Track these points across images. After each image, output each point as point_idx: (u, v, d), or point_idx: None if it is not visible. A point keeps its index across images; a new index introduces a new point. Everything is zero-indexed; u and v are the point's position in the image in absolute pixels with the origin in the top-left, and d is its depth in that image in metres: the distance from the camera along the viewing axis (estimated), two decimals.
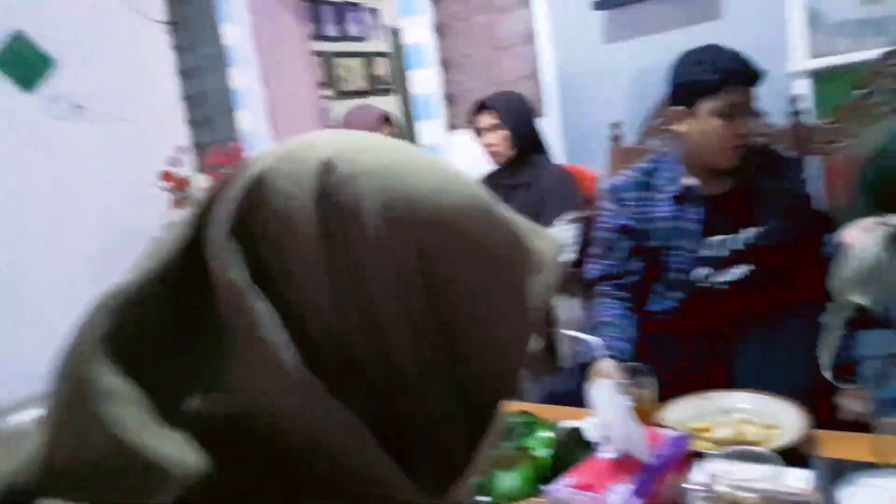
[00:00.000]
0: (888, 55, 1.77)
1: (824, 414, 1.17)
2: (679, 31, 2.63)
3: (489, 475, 1.05)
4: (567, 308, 2.14)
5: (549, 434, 1.12)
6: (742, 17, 2.58)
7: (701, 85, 1.45)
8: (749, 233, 1.52)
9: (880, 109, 1.76)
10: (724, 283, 1.54)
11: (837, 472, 0.88)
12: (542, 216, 2.19)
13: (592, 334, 1.57)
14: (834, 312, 1.19)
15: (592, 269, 1.70)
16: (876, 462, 0.93)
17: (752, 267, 1.53)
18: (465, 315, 0.40)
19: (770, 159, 1.58)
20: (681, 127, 1.52)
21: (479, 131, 2.29)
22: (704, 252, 1.54)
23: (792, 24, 2.59)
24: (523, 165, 2.26)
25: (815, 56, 2.59)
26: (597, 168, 2.32)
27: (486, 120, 2.26)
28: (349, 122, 2.65)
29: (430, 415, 0.40)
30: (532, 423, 1.18)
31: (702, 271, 1.55)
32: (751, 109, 1.50)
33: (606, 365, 1.42)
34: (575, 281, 2.19)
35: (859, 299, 1.20)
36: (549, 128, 2.77)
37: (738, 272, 1.54)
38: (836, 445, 1.07)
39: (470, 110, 2.32)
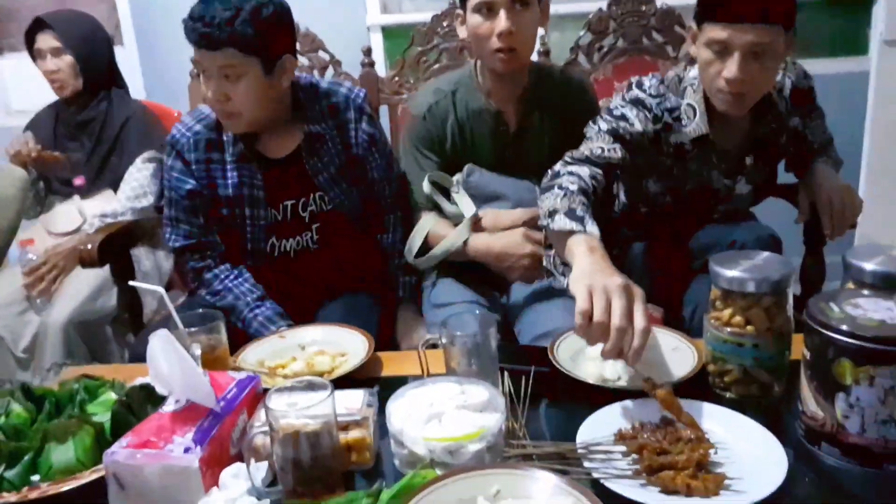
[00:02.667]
0: (439, 16, 1.99)
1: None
2: None
3: (42, 451, 0.93)
4: (151, 259, 1.99)
5: (114, 395, 1.03)
6: None
7: None
8: (314, 198, 1.53)
9: (432, 66, 1.98)
10: (292, 250, 1.55)
11: (390, 387, 0.98)
12: (117, 156, 1.98)
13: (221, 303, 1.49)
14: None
15: (172, 237, 1.54)
16: (421, 374, 1.07)
17: (316, 235, 1.54)
18: None
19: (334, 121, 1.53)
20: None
21: (37, 54, 1.96)
22: (273, 219, 1.51)
23: None
24: (95, 99, 2.00)
25: (385, 12, 2.81)
26: (178, 106, 2.17)
27: (46, 41, 1.94)
28: None
29: None
30: (96, 387, 1.07)
31: (273, 239, 1.53)
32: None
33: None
34: (158, 228, 2.05)
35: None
36: (126, 59, 2.49)
37: (304, 239, 1.55)
38: (395, 364, 1.21)
39: (27, 29, 1.96)
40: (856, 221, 1.38)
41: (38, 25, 1.95)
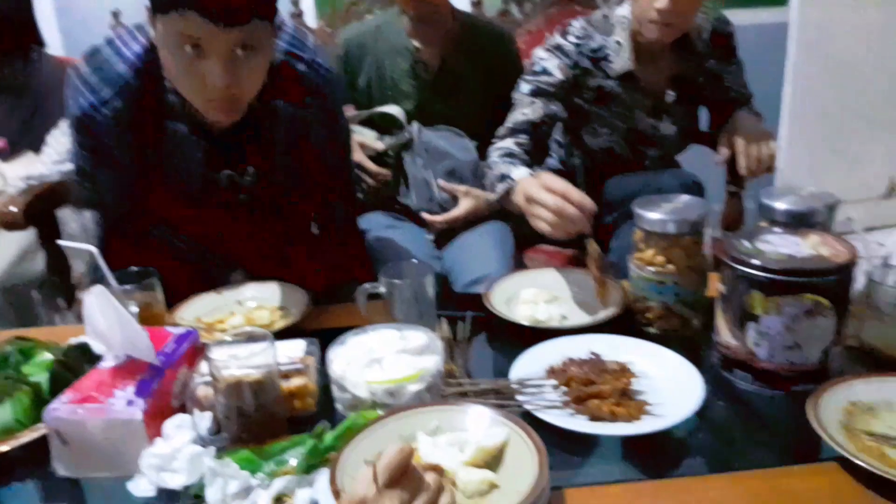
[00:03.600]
0: None
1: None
2: None
3: None
4: (78, 221, 1.94)
5: (51, 356, 1.02)
6: None
7: None
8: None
9: (363, 17, 1.96)
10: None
11: (332, 338, 1.00)
12: (39, 118, 1.90)
13: None
14: None
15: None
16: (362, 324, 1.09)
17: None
18: None
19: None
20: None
21: None
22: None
23: None
24: (9, 58, 1.90)
25: None
26: None
27: None
28: None
29: None
30: (30, 348, 1.06)
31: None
32: None
33: None
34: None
35: None
36: (42, 15, 2.37)
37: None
38: (335, 316, 1.23)
39: None
40: (772, 165, 1.46)
41: None
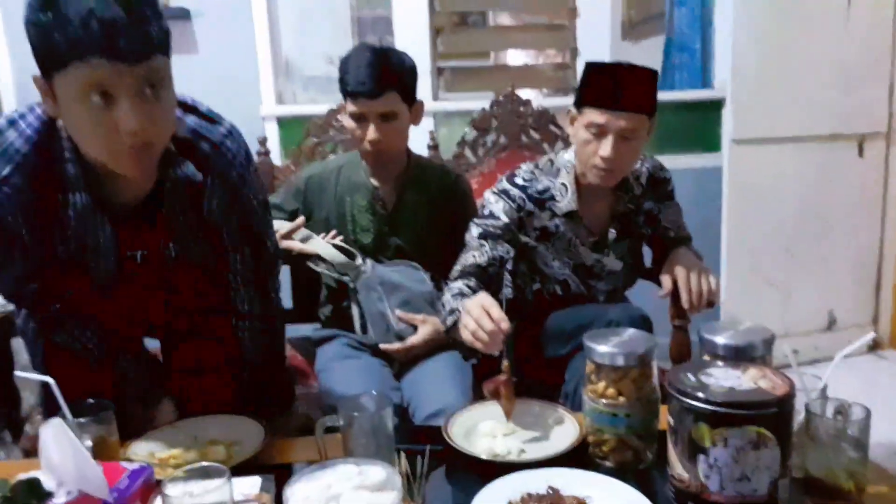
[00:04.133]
0: (334, 111, 2.09)
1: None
2: None
3: None
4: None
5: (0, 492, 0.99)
6: (217, 57, 2.71)
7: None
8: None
9: (328, 156, 2.07)
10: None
11: (289, 473, 0.99)
12: None
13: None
14: None
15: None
16: (319, 459, 1.08)
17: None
18: None
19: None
20: None
21: None
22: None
23: (264, 74, 2.85)
24: None
25: (280, 103, 2.91)
26: None
27: None
28: None
29: None
30: None
31: None
32: None
33: None
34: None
35: None
36: None
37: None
38: (291, 450, 1.22)
39: None
40: (714, 299, 1.54)
41: None
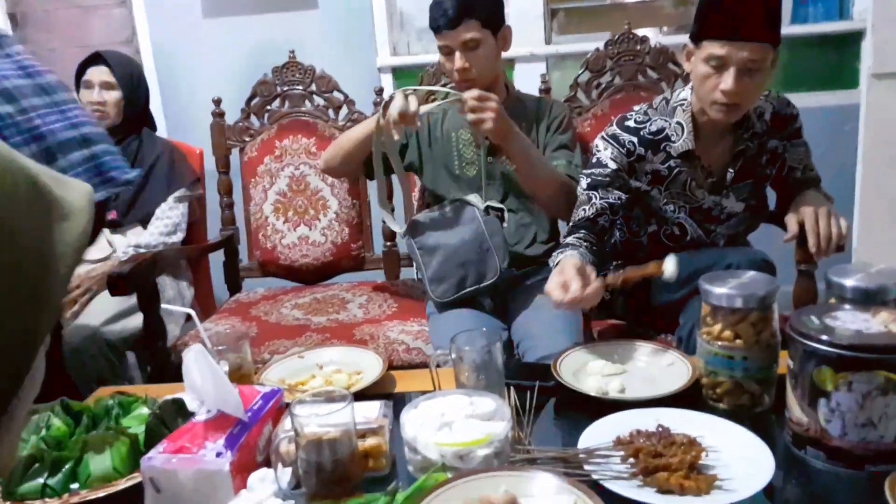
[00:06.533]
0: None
1: None
2: (276, 14, 2.73)
3: (81, 461, 1.00)
4: (175, 288, 2.09)
5: (147, 410, 1.11)
6: (336, 12, 2.77)
7: None
8: None
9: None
10: None
11: (405, 401, 1.05)
12: (147, 193, 2.08)
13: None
14: None
15: None
16: (431, 389, 1.14)
17: None
18: None
19: None
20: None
21: (86, 85, 2.08)
22: None
23: (379, 27, 2.89)
24: (129, 136, 2.12)
25: (395, 55, 2.94)
26: (199, 144, 2.28)
27: (99, 74, 2.06)
28: None
29: None
30: (129, 403, 1.15)
31: None
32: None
33: None
34: (184, 259, 2.14)
35: None
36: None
37: None
38: (407, 381, 1.28)
39: (81, 62, 2.11)
40: (843, 244, 1.45)
41: (93, 59, 2.08)
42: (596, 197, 1.54)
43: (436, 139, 1.84)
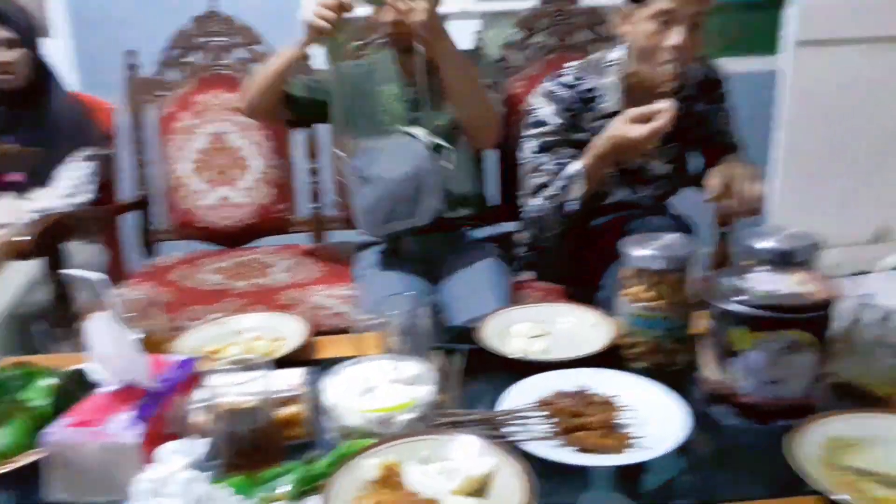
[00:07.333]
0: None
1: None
2: None
3: None
4: (85, 252, 1.98)
5: (50, 381, 1.05)
6: None
7: None
8: None
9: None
10: None
11: (326, 367, 1.02)
12: (54, 151, 1.95)
13: None
14: None
15: None
16: (355, 354, 1.12)
17: None
18: None
19: None
20: None
21: None
22: None
23: None
24: (32, 93, 1.96)
25: None
26: (112, 99, 2.15)
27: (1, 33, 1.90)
28: None
29: None
30: (30, 374, 1.08)
31: None
32: None
33: None
34: (94, 222, 2.03)
35: None
36: (57, 51, 2.45)
37: None
38: (330, 347, 1.25)
39: None
40: (760, 206, 1.49)
41: None
42: (546, 160, 1.52)
43: (361, 94, 1.78)
